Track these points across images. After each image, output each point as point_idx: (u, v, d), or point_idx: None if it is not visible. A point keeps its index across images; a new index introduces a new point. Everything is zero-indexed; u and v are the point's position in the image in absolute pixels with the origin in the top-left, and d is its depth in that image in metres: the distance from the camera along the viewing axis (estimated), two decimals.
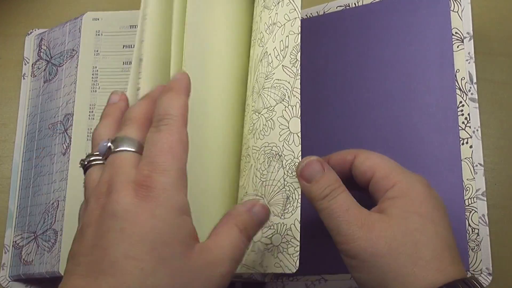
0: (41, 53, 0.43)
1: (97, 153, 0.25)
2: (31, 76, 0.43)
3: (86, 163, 0.25)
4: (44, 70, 0.42)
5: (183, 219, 0.23)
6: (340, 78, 0.40)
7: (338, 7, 0.42)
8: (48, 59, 0.42)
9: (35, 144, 0.41)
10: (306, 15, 0.43)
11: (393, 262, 0.26)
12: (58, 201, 0.38)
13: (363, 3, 0.42)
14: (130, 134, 0.24)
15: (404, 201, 0.28)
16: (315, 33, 0.42)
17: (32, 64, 0.43)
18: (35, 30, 0.44)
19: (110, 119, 0.26)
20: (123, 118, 0.26)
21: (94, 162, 0.25)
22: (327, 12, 0.42)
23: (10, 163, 0.42)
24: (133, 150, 0.24)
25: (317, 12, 0.43)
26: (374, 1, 0.41)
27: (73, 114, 0.39)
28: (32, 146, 0.41)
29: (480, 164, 0.36)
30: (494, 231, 0.38)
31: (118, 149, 0.24)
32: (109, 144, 0.24)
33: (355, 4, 0.42)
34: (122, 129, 0.25)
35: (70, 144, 0.38)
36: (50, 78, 0.41)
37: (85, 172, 0.25)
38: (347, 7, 0.42)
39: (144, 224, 0.22)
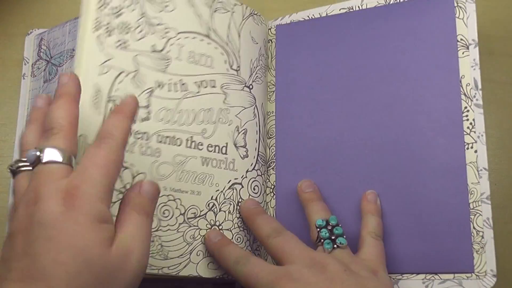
0: (41, 53, 0.43)
1: (25, 159, 0.26)
2: (31, 76, 0.43)
3: (15, 168, 0.26)
4: (44, 70, 0.42)
5: (102, 227, 0.25)
6: (345, 81, 0.40)
7: (341, 10, 0.42)
8: (48, 59, 0.42)
9: None
10: (308, 16, 0.43)
11: None
12: None
13: (367, 7, 0.42)
14: (58, 144, 0.26)
15: None
16: (318, 35, 0.42)
17: (32, 64, 0.43)
18: (35, 30, 0.44)
19: (37, 125, 0.28)
20: (48, 123, 0.27)
21: (22, 168, 0.26)
22: (330, 14, 0.42)
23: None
24: (61, 161, 0.25)
25: (319, 13, 0.43)
26: (378, 5, 0.41)
27: None
28: None
29: (485, 169, 0.36)
30: (494, 231, 0.38)
31: (46, 160, 0.25)
32: (38, 153, 0.25)
33: (359, 7, 0.42)
34: (49, 138, 0.26)
35: None
36: (50, 78, 0.42)
37: (13, 176, 0.27)
38: (351, 10, 0.42)
39: (69, 231, 0.24)
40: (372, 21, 0.40)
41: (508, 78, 0.44)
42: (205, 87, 0.37)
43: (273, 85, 0.42)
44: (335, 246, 0.34)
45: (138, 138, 0.35)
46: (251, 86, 0.39)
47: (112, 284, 0.24)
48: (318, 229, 0.34)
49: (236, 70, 0.39)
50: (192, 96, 0.37)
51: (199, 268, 0.35)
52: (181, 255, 0.35)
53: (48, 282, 0.23)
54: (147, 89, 0.35)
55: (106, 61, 0.34)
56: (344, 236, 0.34)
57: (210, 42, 0.38)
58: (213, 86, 0.38)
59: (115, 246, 0.25)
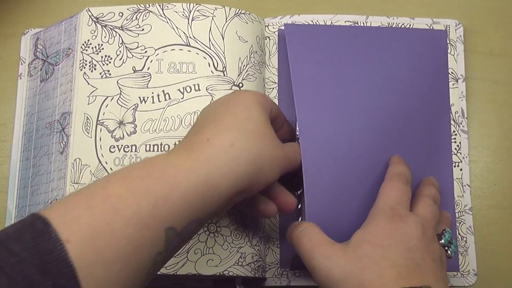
0: (37, 53, 0.43)
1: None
2: (27, 75, 0.43)
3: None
4: (41, 69, 0.42)
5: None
6: (357, 88, 0.41)
7: (346, 22, 0.44)
8: (44, 59, 0.42)
9: (32, 144, 0.41)
10: (312, 21, 0.44)
11: (345, 286, 0.30)
12: (56, 199, 0.38)
13: (371, 24, 0.44)
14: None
15: (362, 231, 0.33)
16: (330, 41, 0.42)
17: (29, 64, 0.43)
18: (31, 30, 0.44)
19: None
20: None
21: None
22: (334, 23, 0.44)
23: (8, 163, 0.42)
24: None
25: (324, 20, 0.44)
26: (382, 25, 0.44)
27: (71, 112, 0.39)
28: (29, 146, 0.41)
29: (468, 185, 0.42)
30: (494, 231, 0.41)
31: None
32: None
33: (363, 23, 0.44)
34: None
35: (68, 143, 0.38)
36: (47, 77, 0.42)
37: None
38: (356, 24, 0.44)
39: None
40: (377, 39, 0.43)
41: (508, 78, 0.45)
42: (189, 91, 0.38)
43: (274, 82, 0.42)
44: (446, 248, 0.34)
45: (127, 151, 0.38)
46: (240, 85, 0.39)
47: None
48: (444, 230, 0.35)
49: (222, 71, 0.39)
50: (177, 103, 0.38)
51: (198, 266, 0.36)
52: (178, 254, 0.36)
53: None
54: (132, 106, 0.39)
55: (92, 92, 0.39)
56: (454, 252, 0.35)
57: (190, 50, 0.39)
58: (198, 90, 0.39)
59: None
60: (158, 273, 0.36)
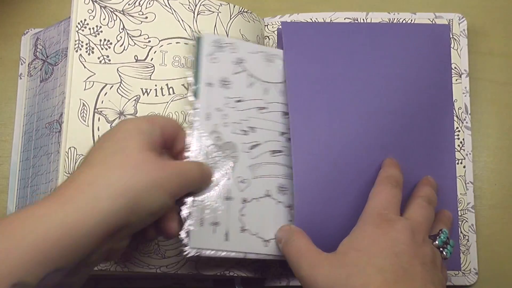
0: (37, 53, 0.43)
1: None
2: (27, 75, 0.43)
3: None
4: (40, 69, 0.42)
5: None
6: (354, 86, 0.40)
7: (346, 19, 0.43)
8: (44, 59, 0.42)
9: (32, 144, 0.41)
10: (311, 19, 0.43)
11: None
12: None
13: (372, 20, 0.43)
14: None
15: (348, 238, 0.33)
16: (328, 38, 0.42)
17: (29, 64, 0.43)
18: (31, 30, 0.44)
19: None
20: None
21: None
22: (334, 21, 0.43)
23: (9, 163, 0.42)
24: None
25: (323, 18, 0.43)
26: (382, 21, 0.43)
27: (64, 97, 0.37)
28: (29, 146, 0.41)
29: (471, 182, 0.42)
30: (494, 231, 0.41)
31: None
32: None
33: (363, 19, 0.43)
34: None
35: (61, 130, 0.38)
36: (46, 77, 0.42)
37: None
38: (355, 21, 0.43)
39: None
40: (378, 35, 0.42)
41: (508, 78, 0.44)
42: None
43: None
44: (441, 249, 0.34)
45: None
46: None
47: None
48: (440, 231, 0.35)
49: None
50: (181, 98, 0.38)
51: (198, 265, 0.36)
52: (179, 253, 0.36)
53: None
54: (133, 97, 0.37)
55: (89, 77, 0.37)
56: (450, 253, 0.35)
57: (195, 44, 0.38)
58: None
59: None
60: (158, 271, 0.36)
